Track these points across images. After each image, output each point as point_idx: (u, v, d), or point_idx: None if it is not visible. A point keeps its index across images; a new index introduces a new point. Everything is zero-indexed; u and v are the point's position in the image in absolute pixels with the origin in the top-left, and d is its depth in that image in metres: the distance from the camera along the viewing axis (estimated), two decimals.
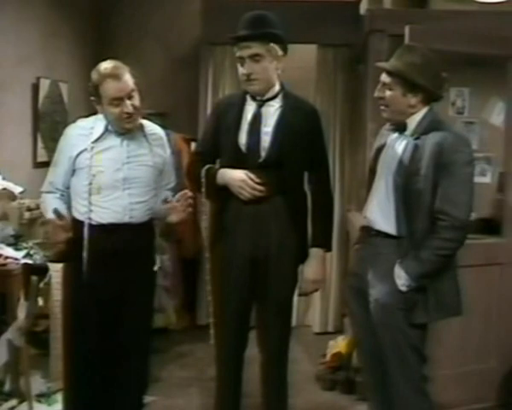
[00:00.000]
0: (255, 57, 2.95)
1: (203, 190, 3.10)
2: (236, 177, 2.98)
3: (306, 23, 5.19)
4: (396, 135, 2.87)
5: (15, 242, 3.88)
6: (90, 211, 2.92)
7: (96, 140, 2.95)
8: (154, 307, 3.27)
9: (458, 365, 3.81)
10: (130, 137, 2.98)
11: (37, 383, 3.88)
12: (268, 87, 3.03)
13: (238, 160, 3.01)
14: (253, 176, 2.96)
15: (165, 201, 3.06)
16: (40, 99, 4.91)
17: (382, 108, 2.84)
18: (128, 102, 2.87)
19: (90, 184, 2.91)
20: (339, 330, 5.34)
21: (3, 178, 4.13)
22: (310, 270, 3.11)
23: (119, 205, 2.93)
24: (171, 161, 3.22)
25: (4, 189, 4.05)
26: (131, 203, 2.94)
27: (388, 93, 2.80)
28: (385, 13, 4.05)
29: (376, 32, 3.96)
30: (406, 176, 2.71)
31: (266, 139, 2.99)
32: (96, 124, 2.99)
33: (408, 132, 2.81)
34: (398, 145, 2.82)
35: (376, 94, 2.86)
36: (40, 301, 3.77)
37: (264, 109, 3.03)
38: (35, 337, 3.90)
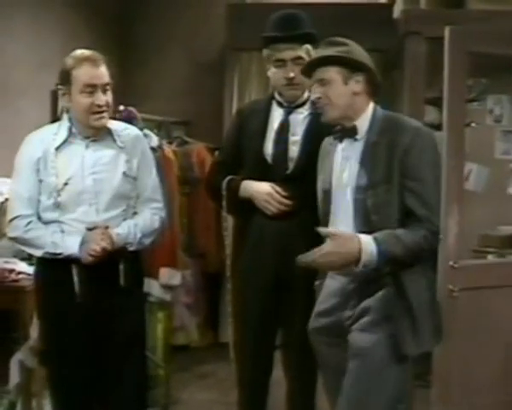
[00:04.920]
0: (298, 60, 2.76)
1: (224, 203, 2.91)
2: (261, 190, 2.79)
3: (335, 27, 4.88)
4: (346, 143, 2.51)
5: (29, 256, 3.58)
6: (63, 232, 2.64)
7: (59, 146, 2.66)
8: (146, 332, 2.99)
9: (501, 393, 3.53)
10: (97, 141, 2.70)
11: (50, 406, 3.69)
12: (302, 94, 2.86)
13: (263, 171, 2.83)
14: (279, 189, 2.77)
15: (88, 228, 2.63)
16: (59, 106, 4.65)
17: (325, 107, 2.48)
18: (101, 95, 2.61)
19: (55, 200, 2.63)
20: None
21: None
22: None
23: (84, 223, 2.63)
24: (148, 167, 2.84)
25: None
26: (99, 220, 2.65)
27: (326, 90, 2.45)
28: (422, 14, 3.83)
29: (413, 34, 3.75)
30: (369, 189, 2.39)
31: (294, 149, 2.80)
32: (60, 129, 2.72)
33: (360, 136, 2.47)
34: (353, 154, 2.48)
35: (314, 96, 2.51)
36: None
37: (292, 117, 2.83)
38: (44, 358, 3.71)
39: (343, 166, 2.50)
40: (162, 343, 4.08)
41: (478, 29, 3.52)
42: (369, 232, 2.35)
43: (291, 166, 2.80)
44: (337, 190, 2.51)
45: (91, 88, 2.60)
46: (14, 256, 3.65)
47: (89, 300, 2.64)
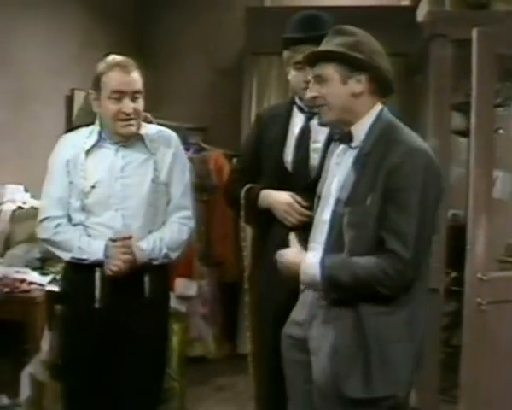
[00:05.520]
0: None
1: (242, 212, 2.80)
2: (281, 200, 2.67)
3: None
4: (341, 149, 2.28)
5: (41, 265, 3.67)
6: (89, 236, 2.63)
7: (89, 150, 2.66)
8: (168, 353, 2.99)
9: None
10: (127, 146, 2.67)
11: None
12: None
13: (283, 180, 2.71)
14: (299, 199, 2.64)
15: (112, 239, 2.60)
16: (74, 112, 4.75)
17: (321, 108, 2.24)
18: (129, 102, 2.58)
19: (82, 202, 2.62)
20: None
21: (32, 196, 3.95)
22: None
23: (111, 228, 2.61)
24: (179, 172, 2.76)
25: (32, 207, 3.83)
26: (125, 226, 2.61)
27: (323, 88, 2.20)
28: (448, 15, 3.69)
29: (438, 36, 3.62)
30: (348, 204, 2.14)
31: (315, 157, 2.66)
32: (92, 133, 2.70)
33: (355, 144, 2.20)
34: (344, 162, 2.24)
35: (309, 94, 2.26)
36: None
37: (313, 122, 2.69)
38: (60, 371, 3.63)
39: (334, 173, 2.29)
40: (177, 355, 4.02)
41: (507, 30, 3.39)
42: (338, 252, 2.14)
43: (312, 174, 2.67)
44: (324, 198, 2.30)
45: (119, 94, 2.57)
46: (26, 266, 3.61)
47: (109, 307, 2.60)
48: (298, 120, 2.74)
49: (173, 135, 2.82)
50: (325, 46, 2.23)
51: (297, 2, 5.27)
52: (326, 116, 2.24)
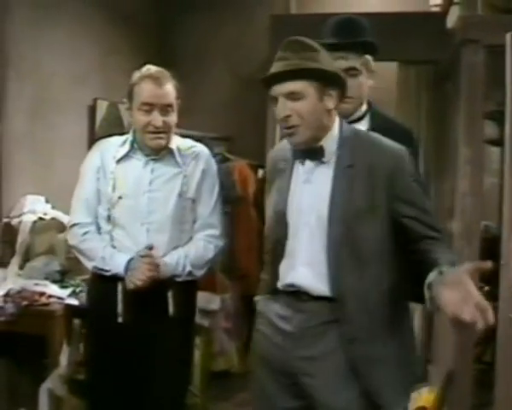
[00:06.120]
0: (351, 71, 2.48)
1: None
2: None
3: (385, 38, 4.74)
4: (308, 166, 2.16)
5: (61, 278, 3.62)
6: (114, 247, 2.60)
7: (120, 159, 2.63)
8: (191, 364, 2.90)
9: None
10: (157, 160, 2.63)
11: None
12: (358, 107, 2.59)
13: None
14: None
15: (140, 255, 2.56)
16: (97, 122, 4.71)
17: (291, 130, 2.10)
18: (159, 115, 2.53)
19: (109, 212, 2.60)
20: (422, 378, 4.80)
21: (53, 207, 3.93)
22: None
23: (135, 243, 2.57)
24: (208, 189, 2.72)
25: (53, 219, 3.83)
26: (150, 240, 2.57)
27: (300, 104, 2.07)
28: (480, 20, 3.56)
29: (470, 42, 3.49)
30: (345, 219, 2.06)
31: None
32: (126, 142, 2.67)
33: (327, 158, 2.13)
34: (319, 179, 2.14)
35: (283, 114, 2.09)
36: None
37: None
38: (78, 386, 3.56)
39: (303, 191, 2.16)
40: (200, 371, 3.95)
41: None
42: (354, 266, 2.08)
43: None
44: (297, 216, 2.15)
45: (149, 106, 2.54)
46: (46, 278, 3.56)
47: (132, 323, 2.56)
48: None
49: (205, 151, 2.76)
50: (296, 61, 2.07)
51: (325, 8, 5.19)
52: (301, 135, 2.11)
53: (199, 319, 3.68)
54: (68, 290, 3.48)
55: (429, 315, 4.35)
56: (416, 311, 4.96)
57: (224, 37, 5.71)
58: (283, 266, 2.17)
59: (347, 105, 2.54)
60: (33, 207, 3.81)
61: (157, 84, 2.53)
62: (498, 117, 4.17)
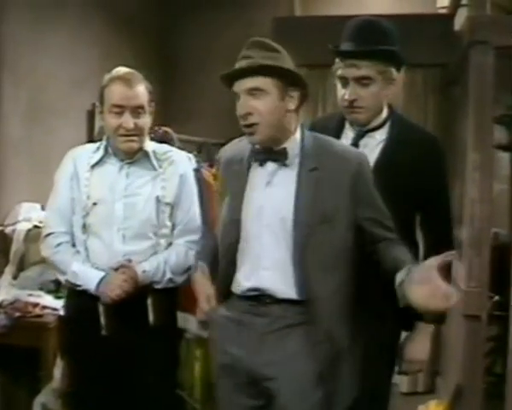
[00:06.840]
0: (363, 80, 2.35)
1: None
2: None
3: None
4: (271, 168, 2.15)
5: (56, 288, 3.52)
6: (87, 257, 2.55)
7: (94, 165, 2.57)
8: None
9: None
10: (133, 164, 2.58)
11: None
12: (374, 116, 2.43)
13: None
14: None
15: (114, 269, 2.51)
16: (96, 128, 4.59)
17: (251, 129, 2.10)
18: (130, 117, 2.47)
19: (83, 220, 2.54)
20: (430, 391, 4.76)
21: None
22: (414, 348, 2.45)
23: (110, 252, 2.51)
24: (187, 195, 2.67)
25: None
26: (125, 249, 2.52)
27: (261, 102, 2.07)
28: (490, 21, 3.43)
29: (479, 44, 3.38)
30: (310, 222, 2.08)
31: None
32: (99, 148, 2.62)
33: (290, 161, 2.13)
34: (282, 182, 2.13)
35: (243, 111, 2.10)
36: None
37: (363, 142, 2.43)
38: (72, 400, 3.50)
39: (265, 194, 2.15)
40: (200, 382, 3.84)
41: None
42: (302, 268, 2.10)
43: None
44: (257, 220, 2.14)
45: (119, 109, 2.49)
46: (41, 288, 3.51)
47: (115, 335, 2.51)
48: (349, 136, 2.46)
49: (183, 156, 2.73)
50: (257, 59, 2.07)
51: (329, 11, 5.11)
52: (261, 134, 2.10)
53: (198, 330, 3.61)
54: (63, 301, 3.37)
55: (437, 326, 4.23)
56: None
57: (227, 39, 5.56)
58: (243, 271, 2.16)
59: (357, 115, 2.43)
60: (28, 215, 3.74)
61: (127, 86, 2.48)
62: (508, 121, 4.08)
